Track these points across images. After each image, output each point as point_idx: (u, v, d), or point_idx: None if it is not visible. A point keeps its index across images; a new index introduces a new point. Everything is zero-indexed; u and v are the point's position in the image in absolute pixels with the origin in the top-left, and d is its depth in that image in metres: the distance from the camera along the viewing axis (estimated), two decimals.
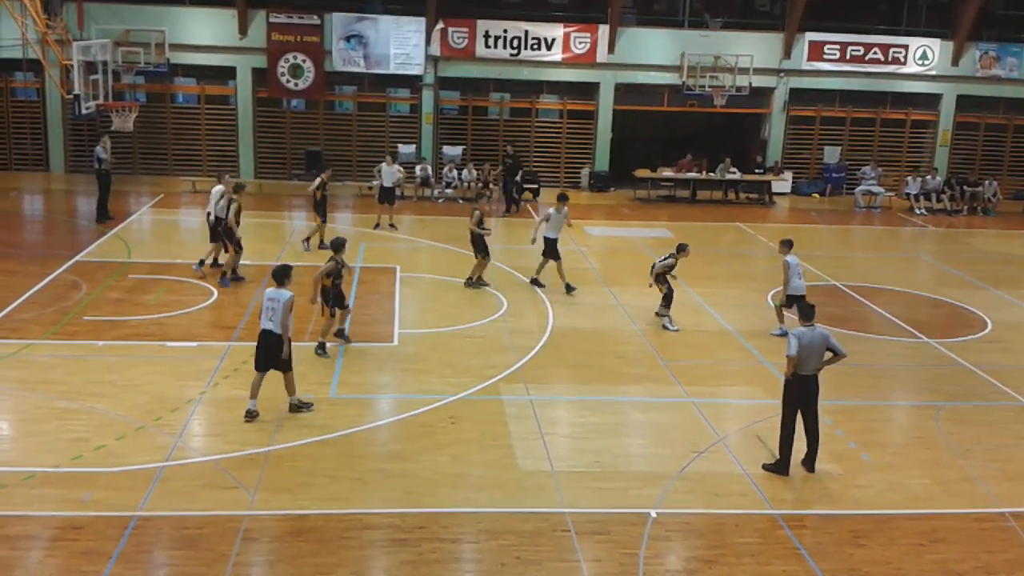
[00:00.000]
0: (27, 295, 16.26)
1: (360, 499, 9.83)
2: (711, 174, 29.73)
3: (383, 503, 9.76)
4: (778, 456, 10.88)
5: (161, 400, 12.02)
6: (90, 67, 25.18)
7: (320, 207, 20.51)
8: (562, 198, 18.35)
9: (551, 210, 18.17)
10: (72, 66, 24.65)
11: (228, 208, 17.27)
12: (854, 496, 10.43)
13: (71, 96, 24.94)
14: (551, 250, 18.09)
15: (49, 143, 29.05)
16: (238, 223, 17.35)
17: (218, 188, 17.87)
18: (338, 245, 14.00)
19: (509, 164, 26.74)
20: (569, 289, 17.95)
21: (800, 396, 10.75)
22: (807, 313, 10.92)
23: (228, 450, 10.74)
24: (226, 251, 17.69)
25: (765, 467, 10.86)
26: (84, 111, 24.67)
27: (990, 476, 11.04)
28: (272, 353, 11.55)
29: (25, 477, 9.91)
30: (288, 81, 28.76)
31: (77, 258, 18.96)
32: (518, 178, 27.40)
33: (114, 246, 20.32)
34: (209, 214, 18.05)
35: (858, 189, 30.31)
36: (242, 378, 12.84)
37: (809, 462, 10.90)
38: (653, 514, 9.78)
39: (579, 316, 16.62)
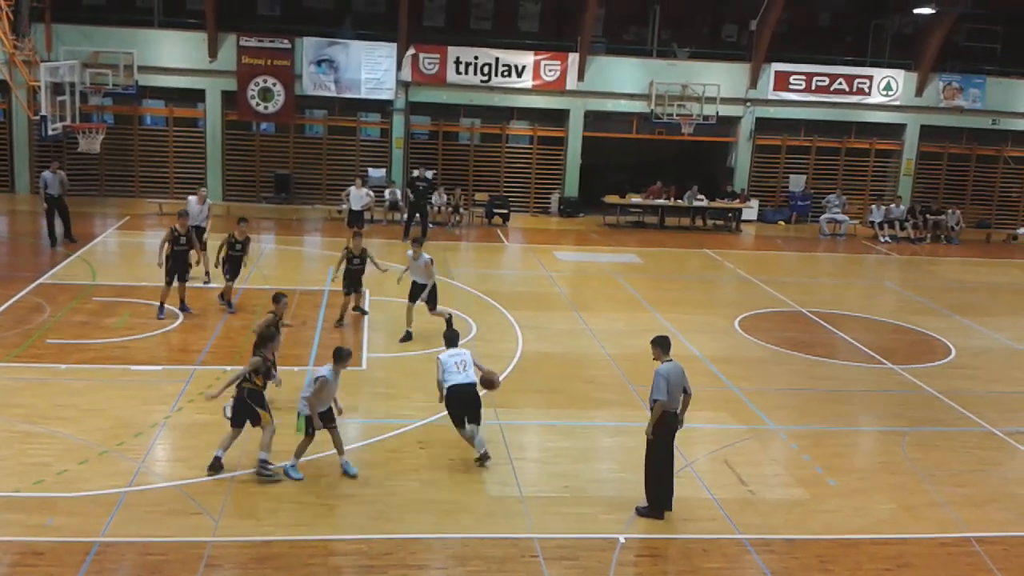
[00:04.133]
0: None
1: (326, 525, 9.72)
2: (679, 201, 29.99)
3: (350, 529, 9.66)
4: (649, 501, 10.32)
5: (125, 424, 11.85)
6: (57, 88, 24.98)
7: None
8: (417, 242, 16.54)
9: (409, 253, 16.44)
10: (39, 87, 24.44)
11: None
12: (821, 521, 10.47)
13: (38, 117, 24.72)
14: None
15: (15, 165, 28.77)
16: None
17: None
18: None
19: (422, 188, 25.57)
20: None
21: (670, 433, 10.27)
22: (665, 346, 10.36)
23: (192, 475, 10.60)
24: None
25: (640, 512, 10.29)
26: (51, 132, 24.45)
27: (956, 501, 11.13)
28: (477, 405, 11.34)
29: None
30: (258, 104, 28.71)
31: (41, 280, 18.72)
32: (434, 202, 27.30)
33: (79, 268, 20.10)
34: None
35: (823, 217, 30.69)
36: (207, 402, 12.66)
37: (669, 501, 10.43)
38: (622, 539, 9.76)
39: (548, 341, 16.63)
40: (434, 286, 16.31)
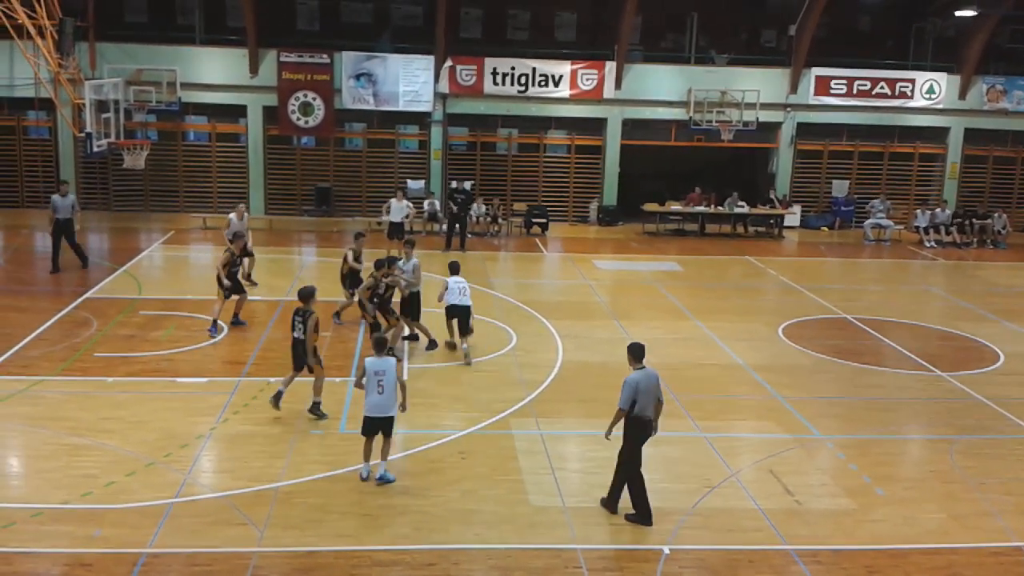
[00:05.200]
0: (38, 332, 16.31)
1: (370, 536, 9.75)
2: (719, 208, 29.80)
3: (393, 540, 9.68)
4: (637, 507, 10.27)
5: (171, 436, 11.99)
6: (102, 106, 25.42)
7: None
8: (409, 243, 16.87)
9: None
10: (84, 105, 24.90)
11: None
12: (869, 531, 10.32)
13: (83, 135, 25.17)
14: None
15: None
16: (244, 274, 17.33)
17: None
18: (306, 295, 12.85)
19: (461, 200, 25.70)
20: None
21: (643, 439, 10.24)
22: (638, 354, 10.28)
23: (237, 486, 10.69)
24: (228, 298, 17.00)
25: (628, 517, 10.24)
26: (96, 149, 24.88)
27: (1006, 510, 10.92)
28: (467, 320, 15.78)
29: (34, 514, 9.87)
30: (298, 119, 28.99)
31: (88, 295, 19.03)
32: (473, 212, 27.35)
33: (124, 283, 20.39)
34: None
35: (867, 222, 30.31)
36: (252, 413, 12.84)
37: (613, 502, 10.42)
38: (666, 551, 9.67)
39: (588, 350, 16.57)
40: (417, 293, 16.15)
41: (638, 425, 10.16)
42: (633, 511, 10.28)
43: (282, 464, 11.30)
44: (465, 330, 15.64)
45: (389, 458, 11.07)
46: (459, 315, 15.62)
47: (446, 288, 15.61)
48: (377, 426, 10.86)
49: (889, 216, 30.46)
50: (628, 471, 10.25)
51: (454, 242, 25.52)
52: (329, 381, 13.85)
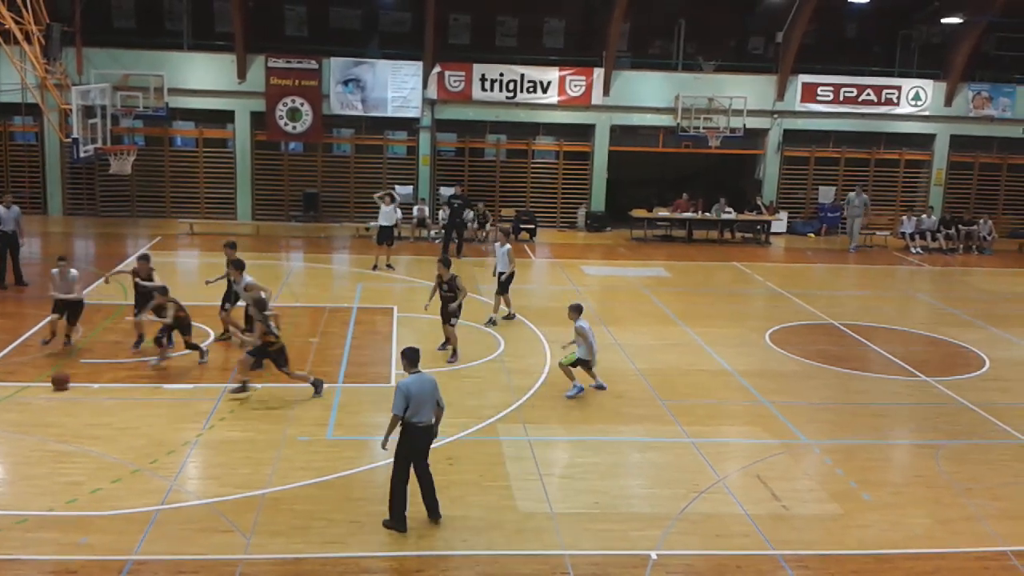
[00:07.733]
0: (24, 337, 16.23)
1: (357, 542, 9.72)
2: (707, 214, 29.90)
3: (380, 546, 9.65)
4: (393, 513, 10.00)
5: (157, 443, 11.94)
6: (89, 111, 25.34)
7: None
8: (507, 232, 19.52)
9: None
10: (71, 110, 24.82)
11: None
12: (855, 536, 10.34)
13: (70, 140, 25.08)
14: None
15: (47, 186, 29.19)
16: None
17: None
18: None
19: (457, 206, 25.74)
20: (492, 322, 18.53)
21: (420, 447, 10.05)
22: (412, 359, 10.12)
23: (224, 493, 10.64)
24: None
25: (385, 524, 9.99)
26: (82, 155, 24.78)
27: (992, 515, 10.96)
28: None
29: (19, 520, 9.81)
30: (286, 124, 28.97)
31: None
32: (471, 220, 27.38)
33: (111, 288, 20.27)
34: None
35: (854, 227, 30.23)
36: (238, 420, 12.79)
37: (434, 511, 10.22)
38: (654, 556, 9.67)
39: None
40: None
41: (410, 432, 9.93)
42: (390, 518, 10.00)
43: (269, 470, 11.27)
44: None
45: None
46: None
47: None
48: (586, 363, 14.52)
49: (867, 210, 29.69)
50: (397, 478, 10.00)
51: (451, 247, 25.69)
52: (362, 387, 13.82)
